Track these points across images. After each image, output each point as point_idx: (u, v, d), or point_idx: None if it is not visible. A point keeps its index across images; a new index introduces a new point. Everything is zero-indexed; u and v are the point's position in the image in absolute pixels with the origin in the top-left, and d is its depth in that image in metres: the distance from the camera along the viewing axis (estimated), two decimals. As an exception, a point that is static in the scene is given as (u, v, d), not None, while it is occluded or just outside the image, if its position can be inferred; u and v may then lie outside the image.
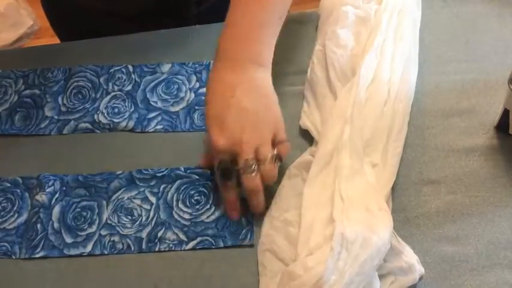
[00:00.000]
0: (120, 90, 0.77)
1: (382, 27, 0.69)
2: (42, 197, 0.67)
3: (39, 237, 0.66)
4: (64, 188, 0.69)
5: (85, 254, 0.65)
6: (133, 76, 0.78)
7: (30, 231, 0.66)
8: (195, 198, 0.67)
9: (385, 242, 0.56)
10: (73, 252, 0.65)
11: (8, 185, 0.70)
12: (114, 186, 0.68)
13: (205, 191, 0.67)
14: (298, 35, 0.77)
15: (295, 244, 0.59)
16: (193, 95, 0.75)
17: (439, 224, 0.63)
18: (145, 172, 0.69)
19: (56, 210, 0.67)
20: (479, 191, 0.64)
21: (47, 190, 0.68)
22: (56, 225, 0.66)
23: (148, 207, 0.67)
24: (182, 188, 0.68)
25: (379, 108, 0.65)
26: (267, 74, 0.65)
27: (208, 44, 0.79)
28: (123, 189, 0.68)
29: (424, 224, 0.63)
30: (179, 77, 0.77)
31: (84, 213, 0.67)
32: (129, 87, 0.77)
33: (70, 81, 0.78)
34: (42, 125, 0.75)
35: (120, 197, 0.68)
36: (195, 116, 0.74)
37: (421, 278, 0.59)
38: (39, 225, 0.66)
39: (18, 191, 0.69)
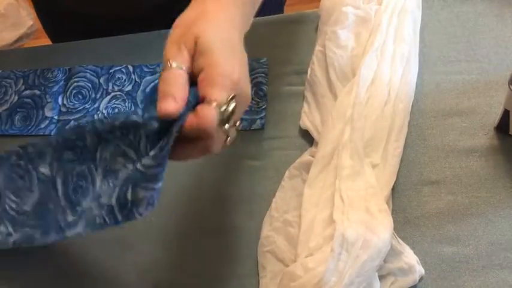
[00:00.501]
0: (120, 90, 0.77)
1: (383, 28, 0.69)
2: (45, 169, 0.55)
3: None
4: (55, 153, 0.55)
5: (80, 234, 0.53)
6: (133, 76, 0.78)
7: (47, 211, 0.55)
8: None
9: (386, 243, 0.56)
10: (69, 234, 0.53)
11: (14, 157, 0.57)
12: (92, 143, 0.53)
13: None
14: (298, 35, 0.77)
15: (295, 245, 0.59)
16: (193, 95, 0.75)
17: (439, 224, 0.63)
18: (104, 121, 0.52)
19: (59, 182, 0.55)
20: (479, 191, 0.64)
21: (46, 159, 0.55)
22: (62, 202, 0.54)
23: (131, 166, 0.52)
24: None
25: (379, 109, 0.65)
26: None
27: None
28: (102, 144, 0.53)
29: (424, 224, 0.63)
30: (179, 77, 0.77)
31: (80, 182, 0.54)
32: (129, 88, 0.77)
33: (70, 81, 0.78)
34: (42, 125, 0.75)
35: (103, 156, 0.53)
36: (195, 116, 0.73)
37: (421, 279, 0.59)
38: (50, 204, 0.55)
39: (22, 162, 0.57)
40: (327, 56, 0.70)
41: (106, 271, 0.64)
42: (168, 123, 0.49)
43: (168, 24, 0.58)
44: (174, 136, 0.48)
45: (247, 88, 0.52)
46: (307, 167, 0.64)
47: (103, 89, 0.77)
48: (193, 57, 0.51)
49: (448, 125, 0.68)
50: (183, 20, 0.53)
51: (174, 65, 0.49)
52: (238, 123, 0.52)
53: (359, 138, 0.62)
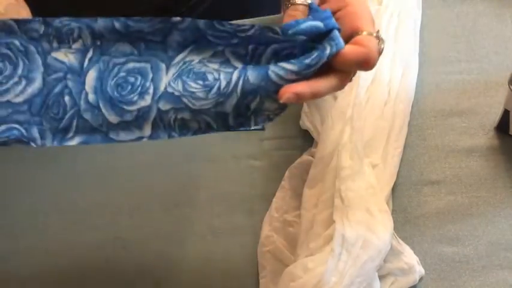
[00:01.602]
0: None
1: (383, 28, 0.69)
2: (68, 56, 0.46)
3: (69, 115, 0.45)
4: (98, 43, 0.46)
5: (144, 138, 0.46)
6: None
7: (55, 108, 0.45)
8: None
9: (386, 243, 0.56)
10: (125, 137, 0.46)
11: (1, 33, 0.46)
12: (176, 42, 0.46)
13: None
14: (298, 35, 0.77)
15: (295, 245, 0.59)
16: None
17: (439, 224, 0.63)
18: (220, 27, 0.45)
19: (91, 76, 0.46)
20: (479, 191, 0.64)
21: (73, 46, 0.46)
22: (91, 96, 0.45)
23: (230, 69, 0.45)
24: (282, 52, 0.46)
25: (379, 109, 0.65)
26: None
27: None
28: (191, 47, 0.46)
29: (424, 224, 0.63)
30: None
31: (132, 79, 0.45)
32: (129, 87, 0.76)
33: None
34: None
35: (187, 59, 0.46)
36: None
37: (421, 279, 0.59)
38: (67, 98, 0.45)
39: (17, 42, 0.46)
40: (327, 56, 0.70)
41: (106, 271, 0.64)
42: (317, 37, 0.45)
43: None
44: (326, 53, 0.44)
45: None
46: (307, 167, 0.64)
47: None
48: None
49: (448, 125, 0.68)
50: None
51: None
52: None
53: (359, 138, 0.62)
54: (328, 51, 0.45)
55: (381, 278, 0.58)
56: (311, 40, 0.45)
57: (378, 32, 0.49)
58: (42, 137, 0.45)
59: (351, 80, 0.51)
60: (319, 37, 0.45)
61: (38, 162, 0.72)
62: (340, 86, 0.49)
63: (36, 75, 0.45)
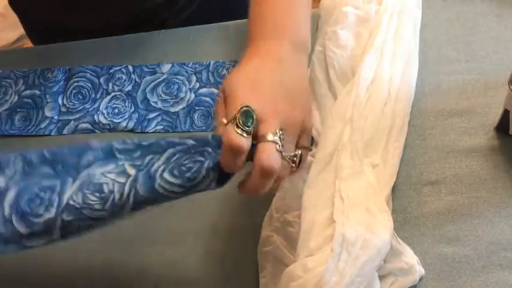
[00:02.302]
0: (120, 90, 0.77)
1: (383, 28, 0.69)
2: None
3: None
4: (27, 168, 0.52)
5: (55, 240, 0.52)
6: (133, 76, 0.78)
7: None
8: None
9: (386, 243, 0.56)
10: (37, 242, 0.51)
11: None
12: (87, 160, 0.52)
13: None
14: (298, 35, 0.77)
15: (295, 245, 0.59)
16: (193, 95, 0.75)
17: (439, 224, 0.63)
18: (130, 144, 0.53)
19: (11, 195, 0.51)
20: (479, 191, 0.64)
21: (6, 173, 0.52)
22: (6, 212, 0.50)
23: (123, 179, 0.51)
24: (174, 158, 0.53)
25: (379, 109, 0.65)
26: (305, 58, 0.61)
27: (208, 44, 0.79)
28: (99, 162, 0.52)
29: (424, 224, 0.63)
30: (179, 77, 0.77)
31: (42, 194, 0.51)
32: (129, 88, 0.77)
33: (70, 81, 0.78)
34: (42, 126, 0.75)
35: (90, 172, 0.52)
36: (195, 117, 0.74)
37: (421, 279, 0.59)
38: None
39: None
40: (326, 56, 0.70)
41: (106, 271, 0.64)
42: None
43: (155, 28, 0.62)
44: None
45: (293, 113, 0.55)
46: (307, 167, 0.64)
47: (103, 89, 0.77)
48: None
49: (448, 125, 0.68)
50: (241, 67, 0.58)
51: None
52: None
53: (359, 138, 0.62)
54: (206, 164, 0.51)
55: (381, 278, 0.58)
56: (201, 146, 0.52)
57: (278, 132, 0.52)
58: None
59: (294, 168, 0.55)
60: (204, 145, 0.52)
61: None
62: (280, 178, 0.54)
63: None
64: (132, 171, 0.51)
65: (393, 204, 0.63)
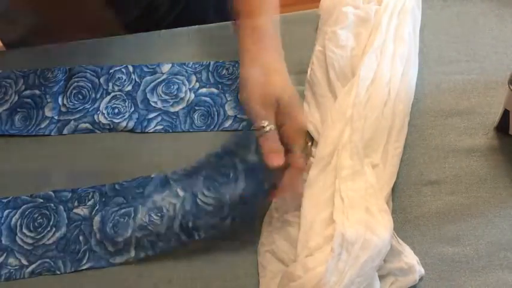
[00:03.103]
0: (120, 90, 0.77)
1: (382, 28, 0.69)
2: (83, 211, 0.68)
3: (83, 249, 0.66)
4: (104, 199, 0.68)
5: (130, 259, 0.65)
6: (133, 76, 0.78)
7: (73, 245, 0.66)
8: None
9: (386, 243, 0.56)
10: (119, 260, 0.65)
11: (41, 200, 0.69)
12: (149, 190, 0.68)
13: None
14: (298, 35, 0.77)
15: (295, 245, 0.59)
16: (193, 95, 0.75)
17: (439, 224, 0.63)
18: (180, 173, 0.68)
19: (97, 220, 0.67)
20: (479, 191, 0.64)
21: (88, 203, 0.68)
22: (98, 235, 0.66)
23: (175, 200, 0.66)
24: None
25: (379, 109, 0.65)
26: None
27: (208, 44, 0.79)
28: (158, 190, 0.68)
29: (424, 224, 0.63)
30: (179, 77, 0.77)
31: (122, 220, 0.66)
32: (129, 88, 0.77)
33: (70, 81, 0.78)
34: (42, 126, 0.75)
35: (153, 199, 0.67)
36: (195, 116, 0.74)
37: (421, 279, 0.59)
38: (81, 237, 0.66)
39: (52, 205, 0.69)
40: (326, 56, 0.70)
41: (106, 270, 0.64)
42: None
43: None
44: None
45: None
46: (307, 167, 0.64)
47: (103, 89, 0.77)
48: (276, 114, 0.63)
49: (448, 125, 0.68)
50: (252, 79, 0.64)
51: (268, 125, 0.61)
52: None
53: (359, 138, 0.62)
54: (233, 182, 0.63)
55: (381, 277, 0.58)
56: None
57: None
58: (65, 266, 0.65)
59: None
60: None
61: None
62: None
63: (61, 224, 0.67)
64: (181, 193, 0.65)
65: (393, 204, 0.63)
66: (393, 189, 0.63)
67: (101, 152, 0.73)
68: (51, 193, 0.69)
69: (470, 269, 0.60)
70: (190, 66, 0.78)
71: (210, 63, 0.77)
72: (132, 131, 0.74)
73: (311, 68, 0.72)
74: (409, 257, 0.59)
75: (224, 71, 0.76)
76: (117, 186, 0.69)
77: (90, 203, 0.68)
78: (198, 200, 0.64)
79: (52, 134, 0.74)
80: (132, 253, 0.65)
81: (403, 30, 0.70)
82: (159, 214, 0.65)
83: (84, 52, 0.82)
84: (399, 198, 0.64)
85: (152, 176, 0.69)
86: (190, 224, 0.63)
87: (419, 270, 0.59)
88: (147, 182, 0.69)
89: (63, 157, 0.72)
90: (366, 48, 0.69)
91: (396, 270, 0.58)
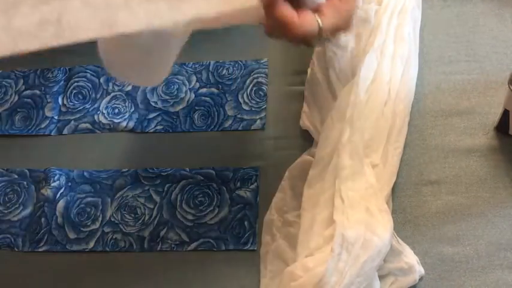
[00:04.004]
0: (120, 90, 0.77)
1: (383, 28, 0.69)
2: (47, 191, 0.68)
3: (43, 231, 0.67)
4: (69, 184, 0.69)
5: (87, 250, 0.66)
6: (133, 76, 0.78)
7: (35, 225, 0.67)
8: (199, 199, 0.67)
9: (386, 243, 0.56)
10: (75, 248, 0.66)
11: (16, 176, 0.71)
12: (119, 184, 0.69)
13: (210, 192, 0.67)
14: (298, 35, 0.77)
15: (295, 245, 0.59)
16: (193, 95, 0.75)
17: (439, 224, 0.63)
18: (150, 171, 0.69)
19: (61, 205, 0.68)
20: (479, 191, 0.64)
21: (52, 184, 0.69)
22: (59, 220, 0.67)
23: (151, 206, 0.67)
24: (186, 189, 0.68)
25: (379, 109, 0.65)
26: None
27: (208, 44, 0.79)
28: (128, 187, 0.69)
29: (424, 224, 0.63)
30: (179, 77, 0.77)
31: (88, 209, 0.68)
32: (129, 88, 0.77)
33: (70, 81, 0.78)
34: (43, 125, 0.75)
35: (124, 194, 0.68)
36: (195, 116, 0.74)
37: (421, 279, 0.59)
38: (43, 220, 0.67)
39: (25, 183, 0.70)
40: (326, 56, 0.70)
41: (106, 270, 0.64)
42: None
43: None
44: None
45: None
46: (307, 167, 0.64)
47: (103, 89, 0.77)
48: None
49: (448, 125, 0.68)
50: None
51: None
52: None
53: (359, 138, 0.62)
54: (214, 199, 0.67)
55: (381, 277, 0.58)
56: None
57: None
58: (23, 245, 0.66)
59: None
60: None
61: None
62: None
63: (29, 203, 0.69)
64: (157, 199, 0.67)
65: (393, 204, 0.63)
66: (393, 189, 0.63)
67: (101, 152, 0.72)
68: (27, 171, 0.71)
69: (470, 269, 0.60)
70: (190, 66, 0.78)
71: (210, 63, 0.77)
72: (132, 131, 0.74)
73: (311, 68, 0.72)
74: (409, 257, 0.59)
75: (224, 71, 0.76)
76: (85, 174, 0.70)
77: (55, 184, 0.69)
78: (176, 213, 0.66)
79: (52, 134, 0.74)
80: (91, 245, 0.66)
81: (403, 30, 0.70)
82: (133, 215, 0.67)
83: (84, 52, 0.82)
84: (399, 198, 0.64)
85: (123, 170, 0.70)
86: (161, 234, 0.65)
87: (419, 270, 0.59)
88: (118, 176, 0.69)
89: (63, 157, 0.72)
90: (366, 48, 0.69)
91: (396, 270, 0.58)
